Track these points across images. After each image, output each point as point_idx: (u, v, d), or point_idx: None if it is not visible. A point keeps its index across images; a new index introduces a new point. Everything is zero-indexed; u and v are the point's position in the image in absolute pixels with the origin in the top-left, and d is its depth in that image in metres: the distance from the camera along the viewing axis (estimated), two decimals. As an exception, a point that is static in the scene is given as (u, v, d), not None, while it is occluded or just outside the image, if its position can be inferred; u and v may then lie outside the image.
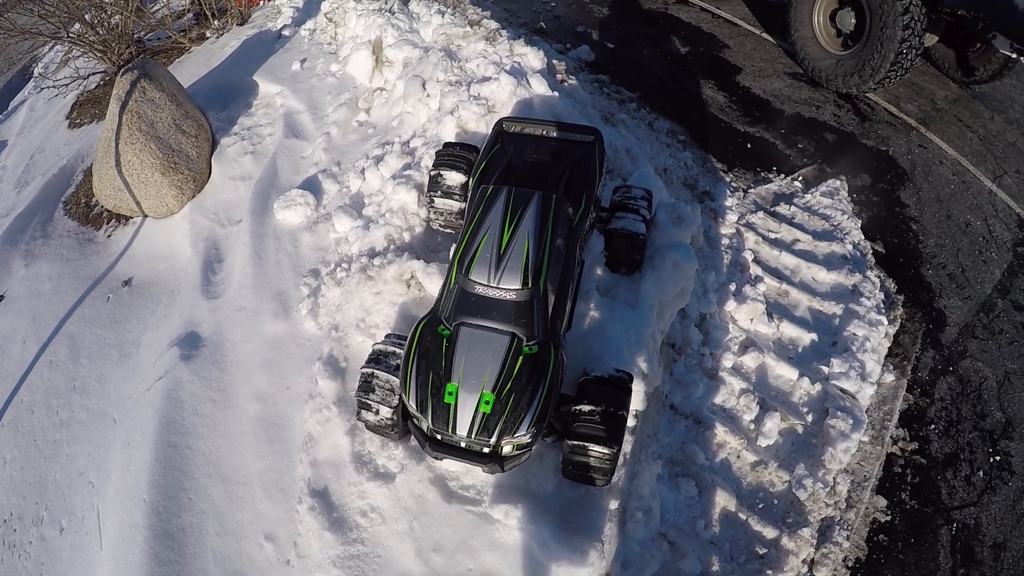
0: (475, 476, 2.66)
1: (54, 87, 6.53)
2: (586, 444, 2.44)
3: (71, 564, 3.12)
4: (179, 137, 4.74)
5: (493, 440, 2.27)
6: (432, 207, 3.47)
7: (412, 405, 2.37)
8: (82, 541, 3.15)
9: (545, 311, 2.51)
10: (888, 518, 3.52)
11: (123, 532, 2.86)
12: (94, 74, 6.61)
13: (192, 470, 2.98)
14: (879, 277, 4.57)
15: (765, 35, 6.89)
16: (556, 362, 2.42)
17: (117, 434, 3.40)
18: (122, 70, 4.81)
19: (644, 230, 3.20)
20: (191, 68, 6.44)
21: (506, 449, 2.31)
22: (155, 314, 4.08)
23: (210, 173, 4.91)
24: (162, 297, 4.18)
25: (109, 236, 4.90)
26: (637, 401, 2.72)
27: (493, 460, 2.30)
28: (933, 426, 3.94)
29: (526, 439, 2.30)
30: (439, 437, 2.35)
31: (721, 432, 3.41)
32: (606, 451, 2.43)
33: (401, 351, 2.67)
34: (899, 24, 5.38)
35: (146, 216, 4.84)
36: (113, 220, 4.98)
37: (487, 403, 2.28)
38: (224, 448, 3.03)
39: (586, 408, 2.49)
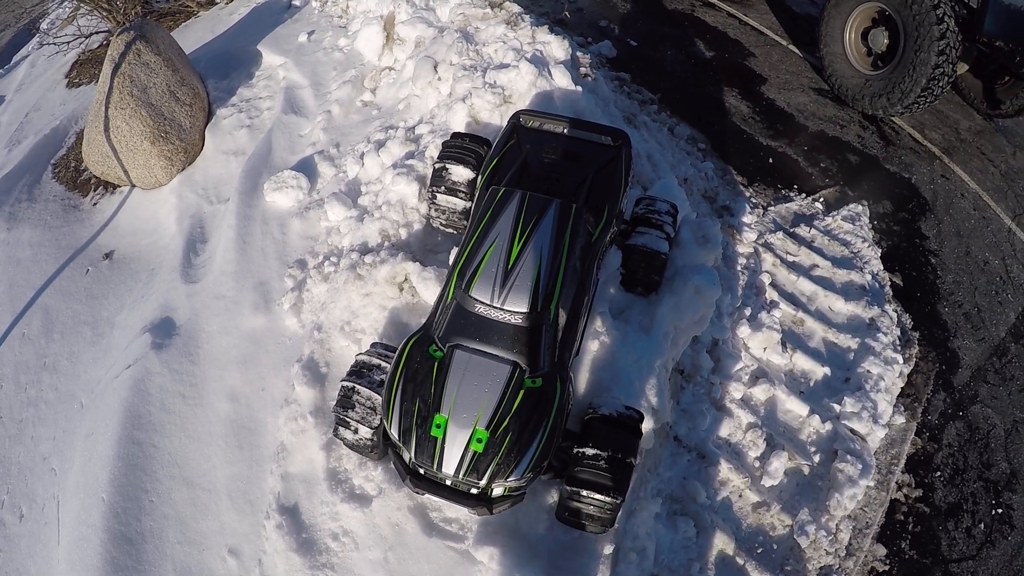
0: (459, 509, 2.41)
1: (55, 44, 6.25)
2: (588, 492, 2.16)
3: (29, 554, 2.91)
4: (172, 105, 4.47)
5: (483, 482, 1.99)
6: (434, 203, 3.17)
7: (394, 433, 2.09)
8: (41, 532, 2.94)
9: (554, 340, 2.21)
10: (886, 568, 3.35)
11: (80, 531, 2.64)
12: (97, 33, 6.33)
13: (156, 471, 2.75)
14: (896, 312, 4.36)
15: (792, 47, 6.64)
16: (562, 399, 2.13)
17: (83, 421, 3.18)
18: (119, 30, 4.53)
19: (667, 249, 2.90)
20: (196, 33, 6.16)
21: (497, 491, 2.04)
22: (133, 292, 3.84)
23: (203, 145, 4.65)
24: (141, 275, 3.94)
25: (95, 204, 4.65)
26: (644, 439, 2.48)
27: (481, 503, 2.02)
28: (939, 473, 3.77)
29: (520, 483, 2.03)
30: (422, 472, 2.07)
31: (725, 469, 3.19)
32: (608, 500, 2.16)
33: (387, 364, 2.38)
34: (934, 49, 5.15)
35: (133, 186, 4.58)
36: (100, 187, 4.73)
37: (479, 441, 1.99)
38: (191, 450, 2.79)
39: (591, 451, 2.20)
